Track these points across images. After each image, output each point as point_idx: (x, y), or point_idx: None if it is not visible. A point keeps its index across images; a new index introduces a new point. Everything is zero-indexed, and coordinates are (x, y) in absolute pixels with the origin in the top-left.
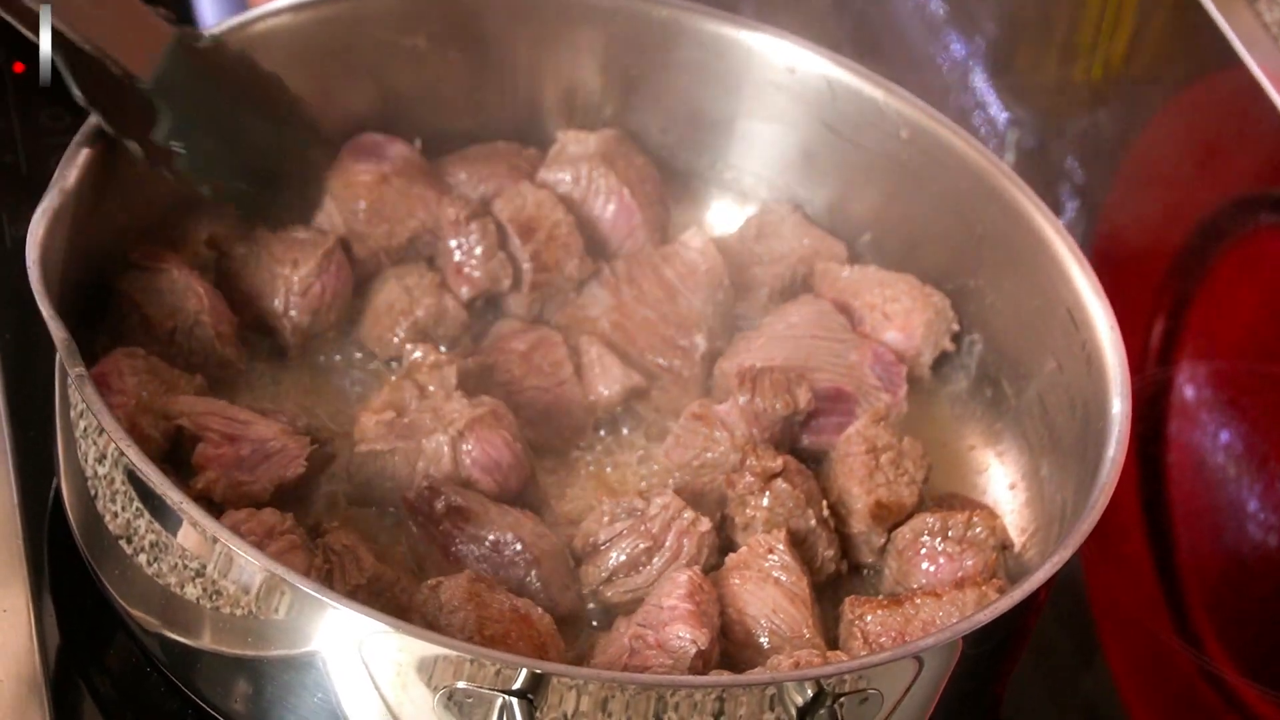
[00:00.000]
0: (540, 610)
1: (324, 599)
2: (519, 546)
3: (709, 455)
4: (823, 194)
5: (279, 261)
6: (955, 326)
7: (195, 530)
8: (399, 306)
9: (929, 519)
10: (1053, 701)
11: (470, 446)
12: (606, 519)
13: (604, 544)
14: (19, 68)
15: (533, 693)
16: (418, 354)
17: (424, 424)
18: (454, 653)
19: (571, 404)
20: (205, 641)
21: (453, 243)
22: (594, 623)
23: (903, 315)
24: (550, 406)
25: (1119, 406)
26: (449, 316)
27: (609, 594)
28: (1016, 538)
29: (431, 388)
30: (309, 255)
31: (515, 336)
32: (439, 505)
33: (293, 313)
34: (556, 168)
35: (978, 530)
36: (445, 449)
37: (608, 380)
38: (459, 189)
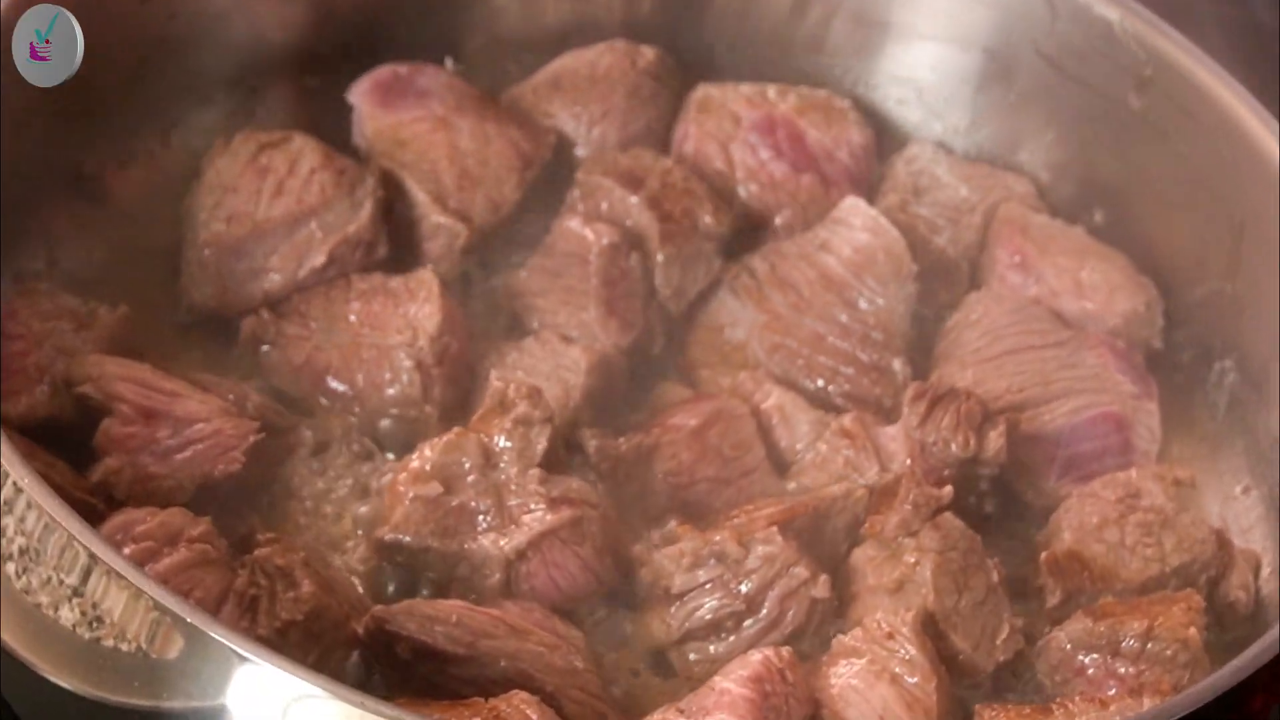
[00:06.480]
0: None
1: (218, 637)
2: (524, 690)
3: (842, 487)
4: (1028, 147)
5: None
6: (1158, 343)
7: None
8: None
9: (1095, 627)
10: None
11: (532, 569)
12: (687, 560)
13: (679, 593)
14: None
15: None
16: (511, 393)
17: (474, 517)
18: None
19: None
20: (75, 683)
21: (596, 278)
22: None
23: (1105, 291)
24: (730, 505)
25: None
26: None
27: (674, 657)
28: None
29: (503, 444)
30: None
31: (684, 408)
32: (400, 651)
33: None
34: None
35: (1163, 646)
36: (496, 573)
37: (792, 437)
38: (558, 132)
